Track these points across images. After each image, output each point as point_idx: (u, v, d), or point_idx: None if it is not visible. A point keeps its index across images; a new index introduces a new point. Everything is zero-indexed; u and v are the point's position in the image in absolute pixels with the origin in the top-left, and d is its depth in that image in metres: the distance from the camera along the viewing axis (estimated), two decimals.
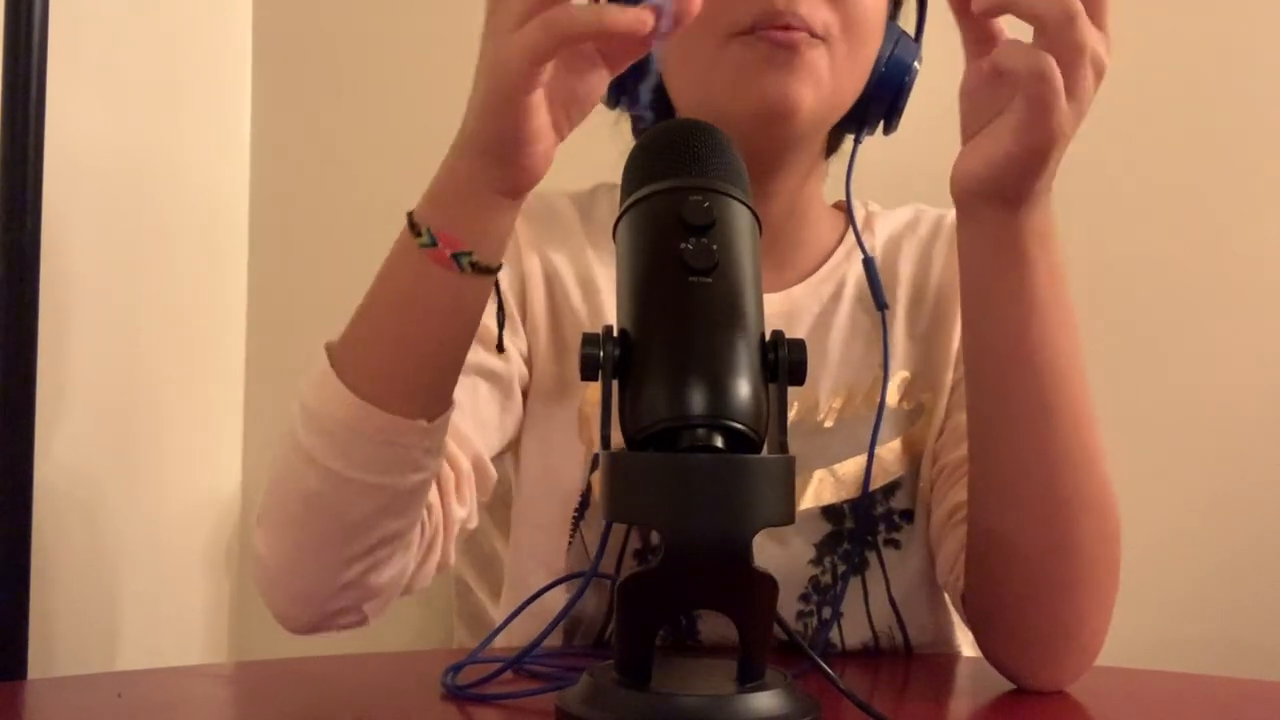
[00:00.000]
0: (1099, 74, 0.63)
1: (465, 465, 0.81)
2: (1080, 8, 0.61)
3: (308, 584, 0.72)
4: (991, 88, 0.65)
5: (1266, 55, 1.40)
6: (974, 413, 0.74)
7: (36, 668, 1.15)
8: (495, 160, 0.64)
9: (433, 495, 0.77)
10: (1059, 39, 0.61)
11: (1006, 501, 0.72)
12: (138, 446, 1.41)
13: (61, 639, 1.26)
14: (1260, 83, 1.39)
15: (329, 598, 0.72)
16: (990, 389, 0.72)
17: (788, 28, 0.77)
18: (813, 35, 0.78)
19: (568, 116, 0.65)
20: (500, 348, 0.79)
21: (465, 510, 0.81)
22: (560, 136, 0.65)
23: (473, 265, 0.66)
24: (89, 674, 0.82)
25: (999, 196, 0.67)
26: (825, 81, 0.80)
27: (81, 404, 1.28)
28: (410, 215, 0.67)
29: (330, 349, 0.71)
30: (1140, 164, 1.37)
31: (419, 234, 0.66)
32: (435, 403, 0.70)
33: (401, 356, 0.69)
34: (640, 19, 0.58)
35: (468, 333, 0.71)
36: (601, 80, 0.65)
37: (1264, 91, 1.39)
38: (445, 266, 0.66)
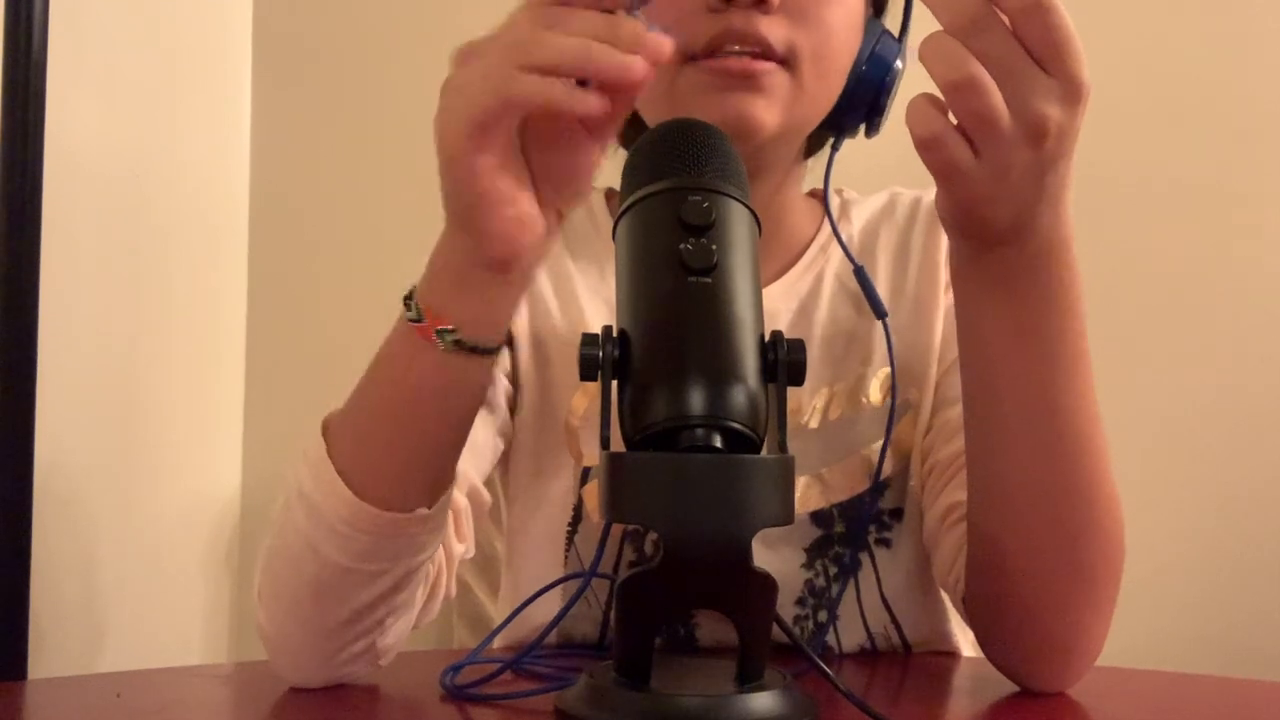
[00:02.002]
0: (1036, 134, 0.57)
1: (463, 503, 0.80)
2: (974, 73, 0.55)
3: (314, 660, 0.71)
4: None
5: (1268, 55, 1.40)
6: (970, 435, 0.72)
7: (36, 668, 1.15)
8: (461, 226, 0.62)
9: None
10: (953, 105, 0.56)
11: (1005, 524, 0.71)
12: (138, 446, 1.41)
13: (62, 639, 1.26)
14: (1261, 82, 1.39)
15: (337, 668, 0.72)
16: (984, 416, 0.70)
17: (742, 55, 0.76)
18: (773, 58, 0.76)
19: (559, 192, 0.62)
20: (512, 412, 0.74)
21: (464, 545, 0.80)
22: (556, 211, 0.63)
23: (455, 343, 0.63)
24: (89, 674, 0.82)
25: (964, 235, 0.65)
26: (788, 103, 0.78)
27: (81, 404, 1.28)
28: (410, 293, 0.65)
29: (328, 429, 0.68)
30: (1142, 164, 1.37)
31: (409, 307, 0.64)
32: (436, 488, 0.68)
33: (397, 449, 0.66)
34: (585, 102, 0.56)
35: (467, 416, 0.68)
36: (588, 152, 0.62)
37: (1265, 91, 1.39)
38: (429, 342, 0.63)
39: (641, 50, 0.56)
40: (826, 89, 0.81)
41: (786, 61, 0.77)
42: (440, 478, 0.69)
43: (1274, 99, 1.39)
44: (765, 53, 0.76)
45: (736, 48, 0.76)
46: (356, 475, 0.66)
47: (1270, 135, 1.39)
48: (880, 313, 0.86)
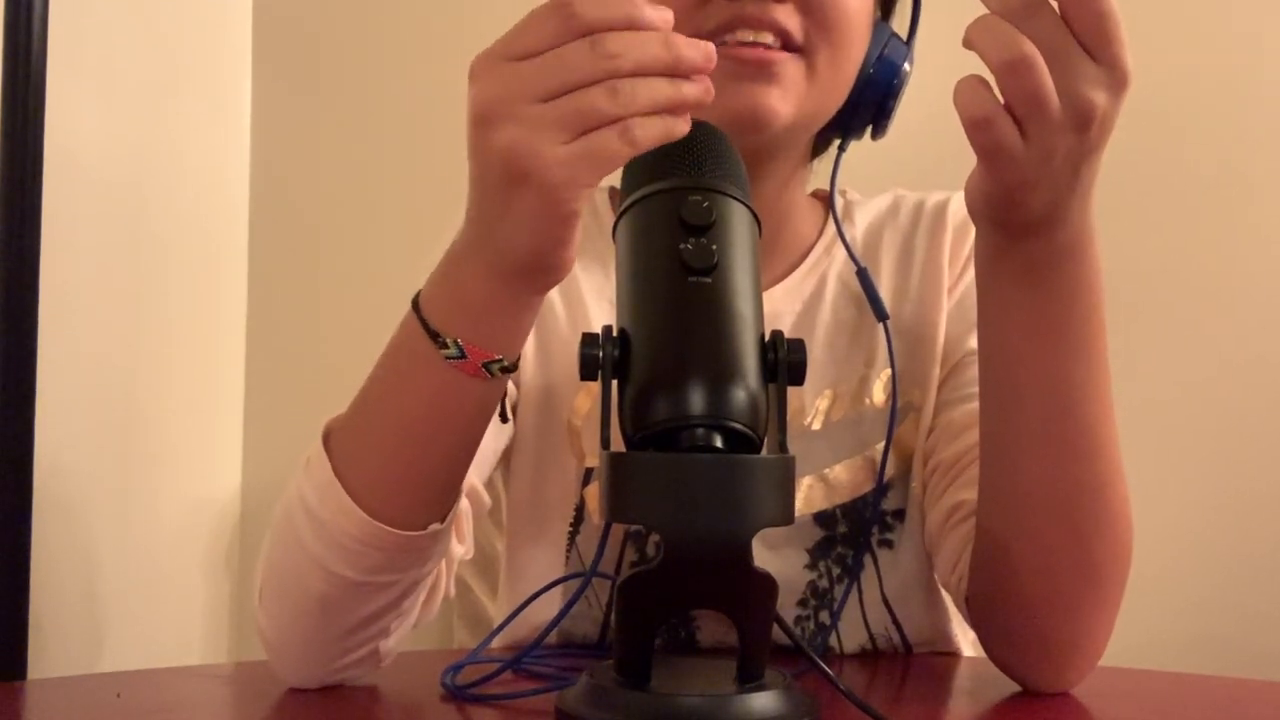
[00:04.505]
0: (1083, 120, 0.57)
1: (463, 504, 0.78)
2: (1029, 53, 0.55)
3: (316, 665, 0.71)
4: None
5: (1269, 54, 1.40)
6: (987, 430, 0.72)
7: (36, 668, 1.15)
8: (534, 270, 0.61)
9: None
10: (1005, 86, 0.56)
11: (1018, 522, 0.71)
12: (138, 447, 1.41)
13: (62, 639, 1.26)
14: (1267, 79, 1.39)
15: (338, 670, 0.71)
16: (1003, 410, 0.70)
17: (757, 44, 0.75)
18: (787, 46, 0.77)
19: None
20: (505, 418, 0.73)
21: (463, 547, 0.80)
22: None
23: (503, 370, 0.63)
24: (89, 674, 0.82)
25: (994, 221, 0.65)
26: (802, 93, 0.78)
27: (82, 404, 1.28)
28: (425, 322, 0.63)
29: (331, 449, 0.67)
30: (1143, 163, 1.37)
31: (444, 345, 0.62)
32: (449, 501, 0.69)
33: (413, 469, 0.66)
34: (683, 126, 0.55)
35: (479, 436, 0.68)
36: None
37: (1271, 89, 1.39)
38: (473, 375, 0.63)
39: (703, 67, 0.56)
40: (838, 81, 0.81)
41: (802, 50, 0.77)
42: (453, 493, 0.69)
43: (1276, 97, 1.39)
44: (782, 42, 0.76)
45: (750, 36, 0.76)
46: (369, 495, 0.65)
47: (1273, 134, 1.39)
48: (881, 315, 0.85)
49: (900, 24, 0.87)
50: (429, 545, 0.68)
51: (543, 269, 0.61)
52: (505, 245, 0.60)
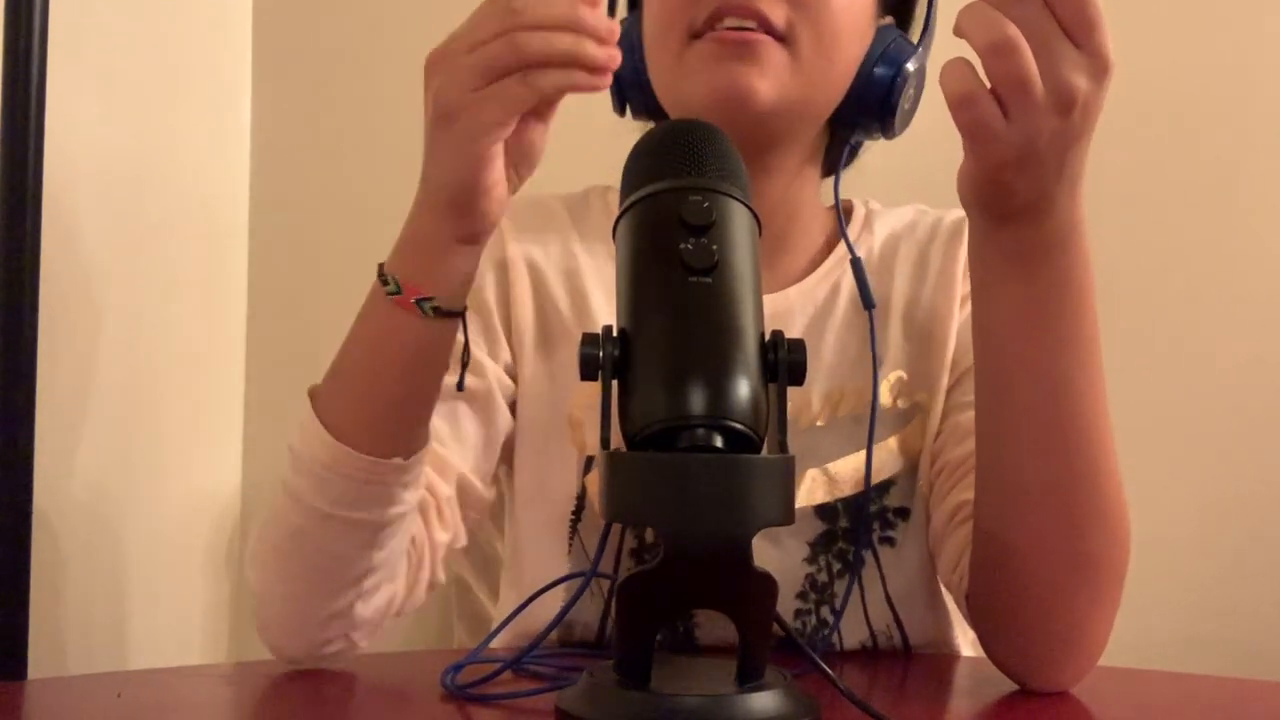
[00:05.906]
0: (1065, 104, 0.59)
1: (446, 491, 0.82)
2: (1012, 35, 0.57)
3: (295, 616, 0.76)
4: None
5: (1269, 53, 1.40)
6: (982, 422, 0.73)
7: (36, 668, 1.15)
8: (457, 211, 0.68)
9: (417, 524, 0.80)
10: (989, 67, 0.58)
11: (1012, 513, 0.71)
12: (138, 446, 1.41)
13: (62, 639, 1.26)
14: (1266, 80, 1.39)
15: (316, 628, 0.75)
16: (996, 401, 0.71)
17: (742, 27, 0.79)
18: (772, 34, 0.79)
19: (518, 172, 0.70)
20: (460, 387, 0.81)
21: (449, 534, 0.83)
22: (512, 190, 0.70)
23: (435, 310, 0.70)
24: (89, 674, 0.82)
25: (983, 208, 0.66)
26: (784, 77, 0.80)
27: (81, 404, 1.28)
28: (381, 266, 0.71)
29: (314, 392, 0.75)
30: (1141, 163, 1.37)
31: (386, 282, 0.70)
32: (410, 441, 0.74)
33: (373, 399, 0.73)
34: (604, 79, 0.63)
35: (435, 374, 0.75)
36: (543, 134, 0.69)
37: (1270, 89, 1.39)
38: (410, 312, 0.70)
39: (605, 37, 0.63)
40: (828, 70, 0.83)
41: (785, 38, 0.80)
42: (412, 432, 0.74)
43: (1276, 97, 1.39)
44: (764, 27, 0.79)
45: (736, 24, 0.79)
46: (336, 424, 0.72)
47: (1272, 134, 1.39)
48: (869, 303, 0.88)
49: (917, 32, 0.89)
50: (392, 481, 0.72)
51: (464, 210, 0.68)
52: (433, 183, 0.68)
